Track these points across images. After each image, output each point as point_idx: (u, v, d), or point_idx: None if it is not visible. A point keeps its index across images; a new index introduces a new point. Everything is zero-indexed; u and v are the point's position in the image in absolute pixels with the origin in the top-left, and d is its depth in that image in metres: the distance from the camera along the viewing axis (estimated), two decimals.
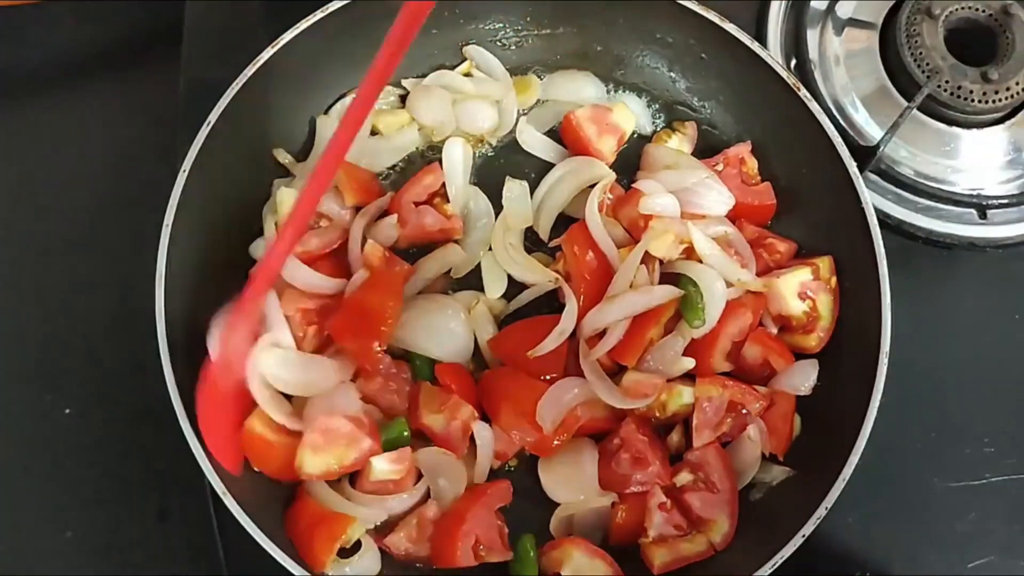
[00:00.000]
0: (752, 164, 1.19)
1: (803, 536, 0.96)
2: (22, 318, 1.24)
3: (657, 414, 1.08)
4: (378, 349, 1.05)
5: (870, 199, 1.06)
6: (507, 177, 1.20)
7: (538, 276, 1.14)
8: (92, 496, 1.17)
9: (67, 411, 1.20)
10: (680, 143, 1.22)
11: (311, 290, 1.09)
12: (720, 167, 1.17)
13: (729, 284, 1.08)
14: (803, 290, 1.10)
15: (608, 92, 1.27)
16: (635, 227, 1.13)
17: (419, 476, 1.07)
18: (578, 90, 1.26)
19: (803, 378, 1.09)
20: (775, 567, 0.96)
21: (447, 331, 1.11)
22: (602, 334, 1.08)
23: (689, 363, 1.07)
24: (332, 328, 1.06)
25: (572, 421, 1.05)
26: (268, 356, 1.04)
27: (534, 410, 1.04)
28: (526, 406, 1.05)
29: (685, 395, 1.07)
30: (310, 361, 1.06)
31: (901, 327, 1.02)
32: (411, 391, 1.10)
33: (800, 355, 1.12)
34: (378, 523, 1.03)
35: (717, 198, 1.13)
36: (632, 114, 1.24)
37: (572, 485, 1.07)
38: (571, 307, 1.08)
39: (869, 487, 1.03)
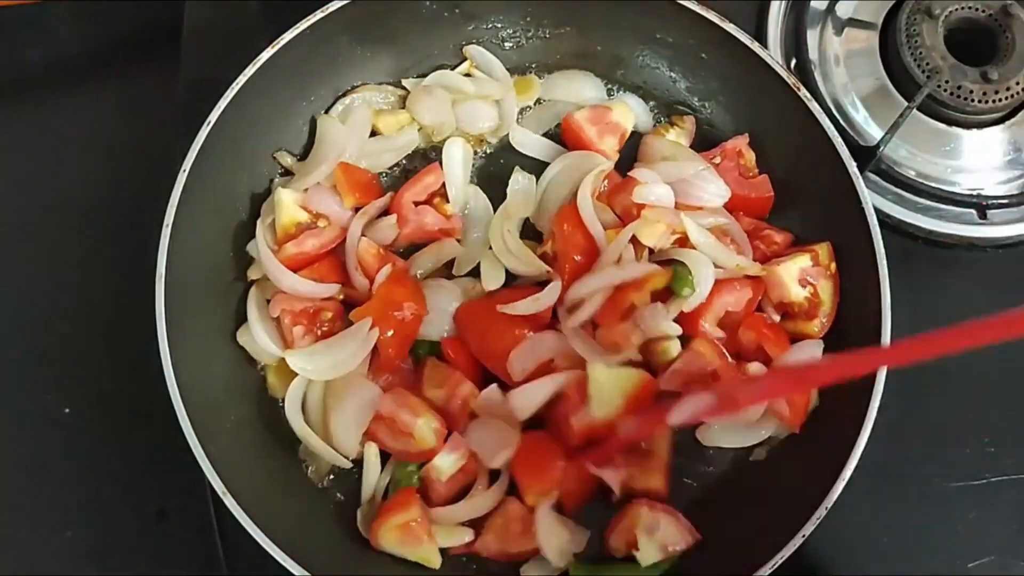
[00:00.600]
0: (750, 156, 1.19)
1: (803, 536, 0.96)
2: (22, 317, 1.25)
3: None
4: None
5: (870, 199, 1.06)
6: (516, 167, 1.20)
7: (531, 268, 1.14)
8: (92, 496, 1.17)
9: (67, 411, 1.20)
10: (678, 136, 1.22)
11: (300, 295, 1.10)
12: (718, 160, 1.18)
13: (725, 267, 1.09)
14: (803, 276, 1.10)
15: (609, 92, 1.27)
16: (628, 215, 1.13)
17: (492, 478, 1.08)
18: (578, 90, 1.26)
19: (809, 355, 1.10)
20: (775, 567, 0.96)
21: (445, 312, 1.12)
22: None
23: (675, 328, 1.07)
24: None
25: (543, 369, 1.08)
26: (294, 357, 1.07)
27: (507, 353, 1.06)
28: (501, 347, 1.07)
29: (673, 349, 1.08)
30: (329, 343, 1.08)
31: (901, 327, 1.02)
32: (418, 366, 1.12)
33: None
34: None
35: (714, 190, 1.14)
36: (632, 112, 1.24)
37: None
38: (555, 284, 1.09)
39: (869, 487, 1.03)
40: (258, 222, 1.15)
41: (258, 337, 1.09)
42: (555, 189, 1.19)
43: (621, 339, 1.06)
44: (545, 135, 1.25)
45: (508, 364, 1.06)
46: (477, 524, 1.07)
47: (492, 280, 1.15)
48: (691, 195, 1.13)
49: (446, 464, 1.05)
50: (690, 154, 1.17)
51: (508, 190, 1.19)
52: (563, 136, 1.24)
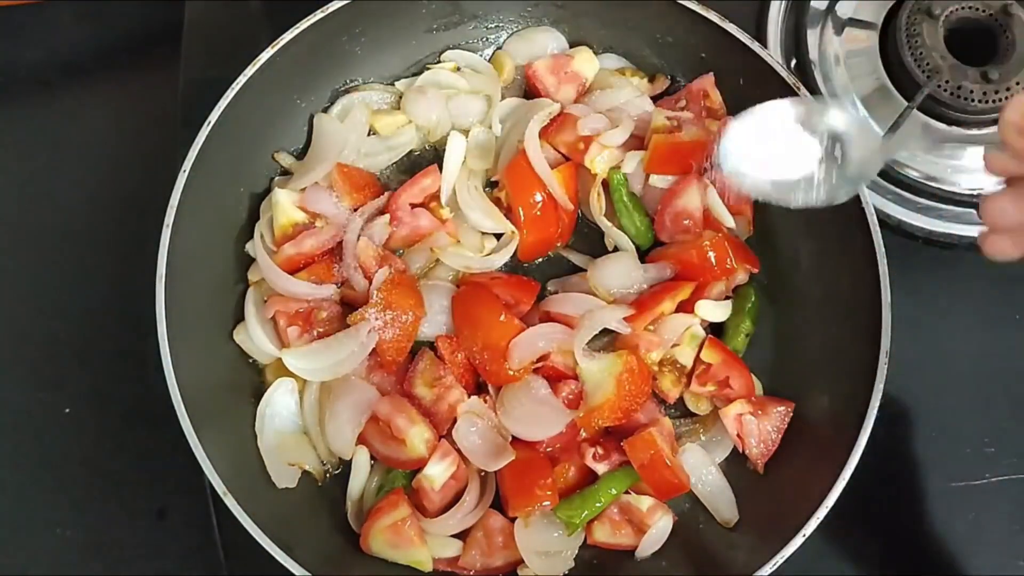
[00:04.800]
0: (716, 96, 1.19)
1: (803, 536, 0.96)
2: (21, 317, 1.25)
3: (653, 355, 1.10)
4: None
5: (870, 199, 1.06)
6: (475, 123, 1.22)
7: (495, 224, 1.16)
8: (91, 496, 1.17)
9: (66, 411, 1.20)
10: (640, 86, 1.23)
11: (298, 297, 1.10)
12: (683, 103, 1.18)
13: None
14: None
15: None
16: (574, 151, 1.16)
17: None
18: (539, 45, 1.25)
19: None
20: (775, 567, 0.96)
21: (439, 308, 1.12)
22: None
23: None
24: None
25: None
26: (291, 357, 1.07)
27: (500, 343, 1.06)
28: (494, 338, 1.07)
29: (684, 356, 1.10)
30: (327, 344, 1.08)
31: (901, 327, 1.02)
32: (413, 359, 1.11)
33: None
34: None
35: (648, 109, 1.18)
36: (595, 59, 1.23)
37: (535, 420, 1.07)
38: (512, 240, 1.15)
39: (869, 487, 1.03)
40: (257, 223, 1.15)
41: (256, 337, 1.09)
42: (511, 140, 1.20)
43: (646, 346, 1.07)
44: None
45: (508, 353, 1.06)
46: (462, 537, 1.07)
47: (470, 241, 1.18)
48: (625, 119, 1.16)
49: (438, 472, 1.04)
50: (624, 83, 1.20)
51: (467, 144, 1.20)
52: (528, 88, 1.25)
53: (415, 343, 1.11)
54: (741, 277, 1.15)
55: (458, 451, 1.06)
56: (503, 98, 1.24)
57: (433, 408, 1.07)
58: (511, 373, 1.07)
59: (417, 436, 1.04)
